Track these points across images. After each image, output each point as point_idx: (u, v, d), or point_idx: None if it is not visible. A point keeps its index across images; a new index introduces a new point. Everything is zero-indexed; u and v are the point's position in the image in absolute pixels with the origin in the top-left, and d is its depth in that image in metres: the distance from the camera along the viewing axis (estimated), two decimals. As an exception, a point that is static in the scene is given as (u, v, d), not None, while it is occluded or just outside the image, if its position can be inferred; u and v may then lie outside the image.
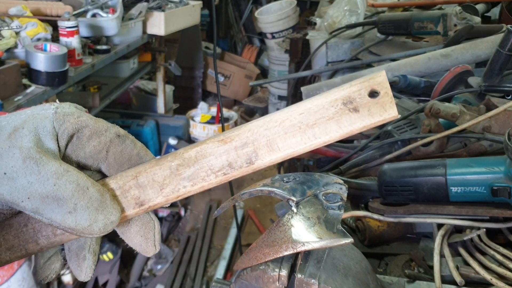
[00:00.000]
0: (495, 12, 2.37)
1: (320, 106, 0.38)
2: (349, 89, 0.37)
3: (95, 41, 2.74)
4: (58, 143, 0.40)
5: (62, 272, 0.47)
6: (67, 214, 0.37)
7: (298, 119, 0.38)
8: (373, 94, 0.37)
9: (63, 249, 0.44)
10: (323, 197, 0.67)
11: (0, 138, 0.38)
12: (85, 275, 0.43)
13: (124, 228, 0.43)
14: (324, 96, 0.38)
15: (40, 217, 0.38)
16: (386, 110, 0.37)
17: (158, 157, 0.43)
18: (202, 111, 4.13)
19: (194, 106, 4.45)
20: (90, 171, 0.43)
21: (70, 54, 2.32)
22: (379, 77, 0.37)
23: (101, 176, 0.43)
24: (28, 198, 0.37)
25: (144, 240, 0.43)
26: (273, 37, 4.89)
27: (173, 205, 3.36)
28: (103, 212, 0.39)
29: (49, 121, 0.40)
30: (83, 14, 2.71)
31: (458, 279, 0.82)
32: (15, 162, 0.37)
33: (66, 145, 0.41)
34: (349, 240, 0.57)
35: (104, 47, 2.73)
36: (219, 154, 0.40)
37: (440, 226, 0.94)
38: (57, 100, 0.44)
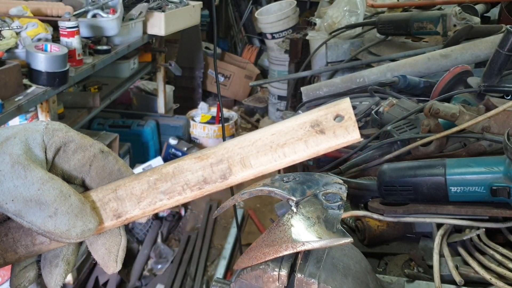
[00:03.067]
0: (494, 13, 2.38)
1: (290, 128, 0.41)
2: (317, 113, 0.41)
3: (95, 42, 2.74)
4: (46, 155, 0.42)
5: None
6: (48, 218, 0.39)
7: (270, 139, 0.41)
8: (338, 118, 0.40)
9: (39, 260, 0.46)
10: (323, 197, 0.67)
11: None
12: (55, 283, 0.44)
13: (92, 237, 0.44)
14: (294, 119, 0.42)
15: (21, 220, 0.39)
16: (349, 133, 0.40)
17: (137, 173, 0.45)
18: (202, 111, 4.14)
19: (194, 106, 4.45)
20: (74, 185, 0.45)
21: (70, 54, 2.32)
22: (343, 103, 0.40)
23: (83, 190, 0.45)
24: (12, 200, 0.39)
25: (107, 253, 0.44)
26: (273, 38, 4.89)
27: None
28: (82, 219, 0.40)
29: (39, 134, 0.42)
30: (83, 14, 2.71)
31: (457, 278, 0.82)
32: (4, 166, 0.39)
33: (53, 158, 0.43)
34: (349, 239, 0.57)
35: (105, 47, 2.74)
36: (195, 170, 0.43)
37: (439, 226, 0.94)
38: (48, 119, 0.47)
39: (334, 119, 0.40)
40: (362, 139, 0.41)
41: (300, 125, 0.41)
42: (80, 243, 0.45)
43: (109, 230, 0.44)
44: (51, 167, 0.43)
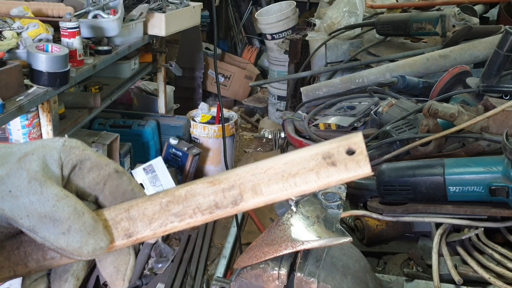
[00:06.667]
0: (493, 13, 2.38)
1: (303, 158, 0.42)
2: (329, 145, 0.41)
3: (96, 42, 2.75)
4: (62, 172, 0.43)
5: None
6: (61, 234, 0.40)
7: (281, 168, 0.42)
8: (349, 151, 0.41)
9: (49, 273, 0.46)
10: (322, 197, 0.68)
11: (10, 161, 0.41)
12: None
13: (102, 255, 0.45)
14: (306, 149, 0.42)
15: (34, 235, 0.40)
16: (360, 167, 0.40)
17: (150, 194, 0.46)
18: (203, 111, 4.14)
19: (195, 106, 4.45)
20: (87, 202, 0.45)
21: (71, 55, 2.32)
22: (356, 137, 0.41)
23: (96, 207, 0.46)
24: (27, 215, 0.40)
25: (115, 271, 0.45)
26: (273, 38, 4.89)
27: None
28: (94, 237, 0.41)
29: (56, 152, 0.43)
30: (84, 15, 2.71)
31: (456, 278, 0.83)
32: (21, 182, 0.40)
33: (69, 174, 0.44)
34: (348, 239, 0.58)
35: (105, 48, 2.74)
36: (207, 194, 0.43)
37: (438, 225, 0.95)
38: (66, 135, 0.47)
39: (346, 153, 0.41)
40: (373, 173, 0.42)
41: (312, 156, 0.41)
42: (90, 260, 0.45)
43: (119, 249, 0.45)
44: (66, 183, 0.44)
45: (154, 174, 3.18)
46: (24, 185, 0.40)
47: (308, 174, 0.41)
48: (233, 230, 3.17)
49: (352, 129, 1.41)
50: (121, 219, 0.44)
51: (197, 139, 3.95)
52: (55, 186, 0.41)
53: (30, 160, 0.41)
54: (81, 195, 0.45)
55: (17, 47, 2.21)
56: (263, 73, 5.70)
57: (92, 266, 2.86)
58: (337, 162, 0.41)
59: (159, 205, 0.43)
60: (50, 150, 0.43)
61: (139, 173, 3.15)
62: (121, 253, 0.45)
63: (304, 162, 0.41)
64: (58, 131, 2.30)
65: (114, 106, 3.91)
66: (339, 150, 0.41)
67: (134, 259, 0.46)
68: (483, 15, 2.33)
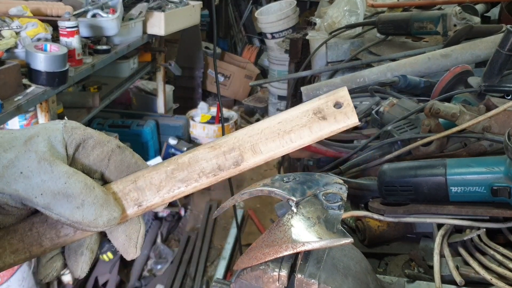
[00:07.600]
0: (494, 12, 2.38)
1: (295, 115, 0.45)
2: (318, 101, 0.45)
3: (95, 41, 2.75)
4: (66, 151, 0.45)
5: (62, 272, 0.51)
6: (75, 209, 0.42)
7: (277, 127, 0.45)
8: (337, 105, 0.45)
9: (63, 251, 0.49)
10: (323, 197, 0.67)
11: (17, 144, 0.43)
12: (81, 270, 0.47)
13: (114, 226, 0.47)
14: (298, 107, 0.46)
15: (50, 212, 0.42)
16: (349, 118, 0.44)
17: (154, 165, 0.48)
18: (202, 111, 4.14)
19: (194, 106, 4.45)
20: (93, 179, 0.47)
21: (70, 54, 2.32)
22: (342, 92, 0.45)
23: (103, 183, 0.48)
24: (41, 194, 0.42)
25: (127, 239, 0.47)
26: (273, 37, 4.89)
27: (172, 205, 3.36)
28: (107, 209, 0.43)
29: (59, 133, 0.45)
30: (83, 14, 2.71)
31: (458, 279, 0.82)
32: (31, 163, 0.42)
33: (74, 154, 0.46)
34: (349, 240, 0.57)
35: (104, 47, 2.74)
36: (209, 158, 0.46)
37: (440, 226, 0.94)
38: (65, 117, 0.49)
39: (334, 106, 0.44)
40: (360, 123, 0.46)
41: (303, 112, 0.45)
42: (101, 233, 0.48)
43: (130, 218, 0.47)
44: (72, 162, 0.46)
45: (153, 174, 3.17)
46: (34, 166, 0.41)
47: (302, 130, 0.45)
48: (233, 231, 3.17)
49: (353, 129, 1.41)
50: (129, 190, 0.46)
51: (197, 139, 3.95)
52: (63, 164, 0.43)
53: (36, 142, 0.43)
54: (87, 172, 0.46)
55: (16, 46, 2.21)
56: (263, 73, 5.70)
57: (91, 266, 2.86)
58: (327, 116, 0.44)
59: (165, 173, 0.46)
60: (53, 131, 0.44)
61: (139, 173, 3.15)
62: (132, 222, 0.47)
63: (297, 119, 0.45)
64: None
65: (113, 106, 3.90)
66: (328, 105, 0.44)
67: (144, 227, 0.48)
68: (484, 14, 2.32)
